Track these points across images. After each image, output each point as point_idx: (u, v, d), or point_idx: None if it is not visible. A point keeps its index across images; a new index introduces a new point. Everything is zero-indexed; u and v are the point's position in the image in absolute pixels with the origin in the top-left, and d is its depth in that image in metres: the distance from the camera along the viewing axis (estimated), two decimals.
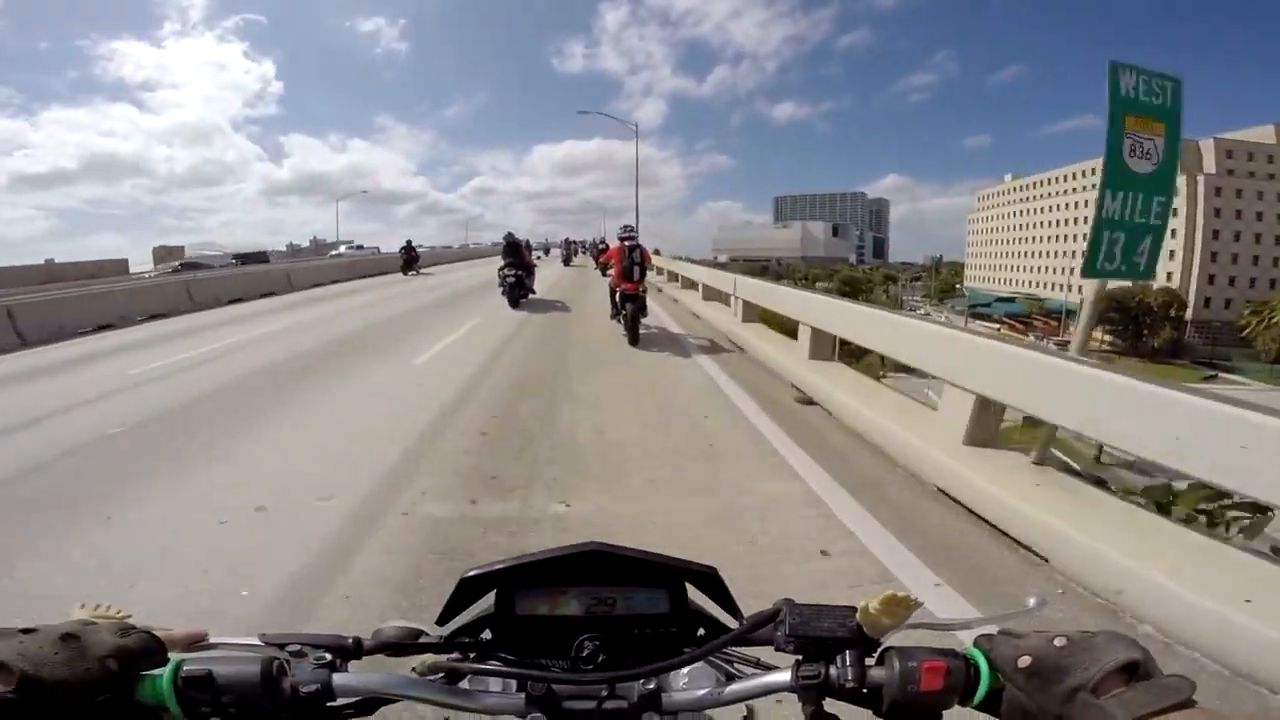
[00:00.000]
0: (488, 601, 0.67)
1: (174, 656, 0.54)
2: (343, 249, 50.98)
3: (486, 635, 0.67)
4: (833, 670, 0.55)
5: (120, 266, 40.30)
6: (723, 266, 23.98)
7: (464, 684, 0.63)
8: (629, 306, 9.17)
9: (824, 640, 0.56)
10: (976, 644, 0.54)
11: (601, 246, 28.25)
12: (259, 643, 0.60)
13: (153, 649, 0.53)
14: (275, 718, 0.53)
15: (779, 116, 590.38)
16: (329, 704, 0.56)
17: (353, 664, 0.61)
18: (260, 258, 35.67)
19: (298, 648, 0.59)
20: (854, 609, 0.57)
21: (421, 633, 0.66)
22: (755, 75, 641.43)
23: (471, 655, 0.65)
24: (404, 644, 0.64)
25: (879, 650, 0.56)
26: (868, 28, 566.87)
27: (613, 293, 9.96)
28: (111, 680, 0.49)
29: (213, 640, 0.60)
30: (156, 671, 0.52)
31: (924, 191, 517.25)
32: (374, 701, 0.59)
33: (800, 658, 0.57)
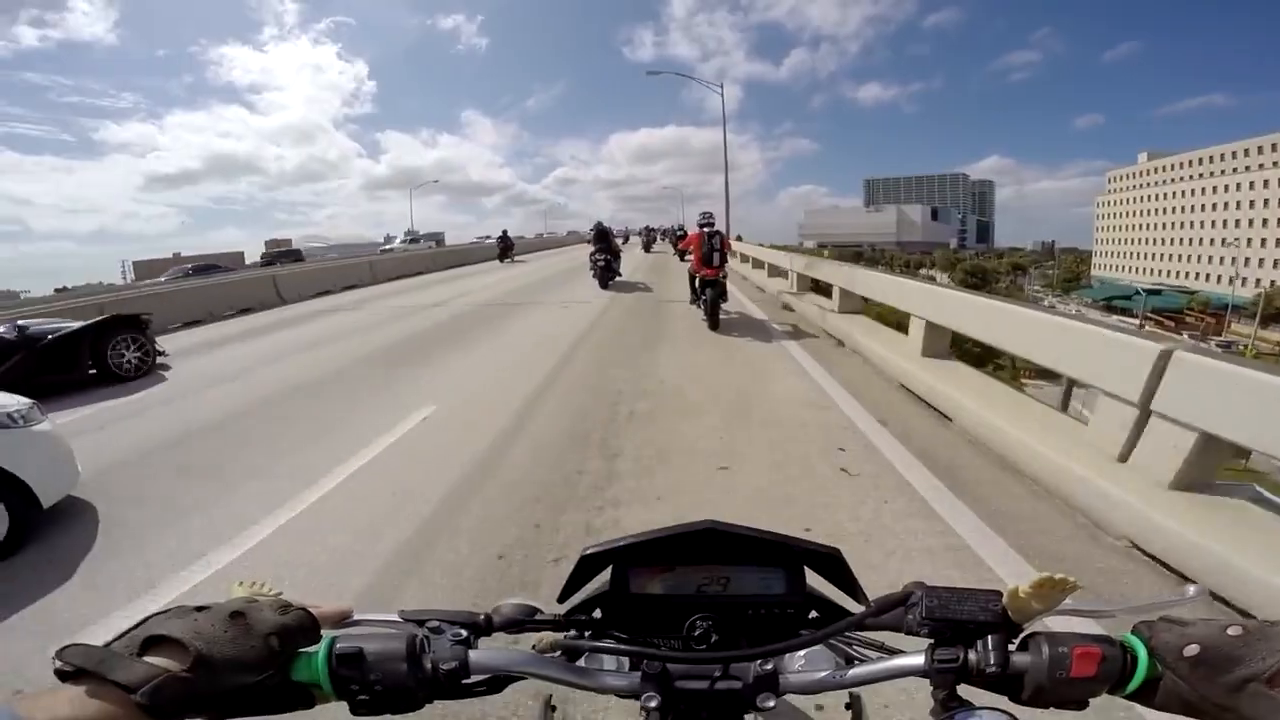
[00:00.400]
0: (603, 579, 0.66)
1: (326, 634, 0.55)
2: (397, 242, 46.81)
3: (597, 614, 0.67)
4: (972, 655, 0.53)
5: (237, 259, 39.40)
6: (812, 253, 20.71)
7: (581, 662, 0.64)
8: (709, 292, 9.02)
9: (964, 624, 0.54)
10: (1135, 630, 0.51)
11: (680, 233, 26.64)
12: (398, 619, 0.61)
13: (308, 626, 0.54)
14: (415, 694, 0.54)
15: (864, 98, 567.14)
16: (464, 681, 0.57)
17: (484, 642, 0.62)
18: (296, 255, 31.78)
19: (436, 624, 0.60)
20: (998, 592, 0.55)
21: (537, 610, 0.65)
22: (836, 57, 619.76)
23: (587, 633, 0.66)
24: (527, 621, 0.64)
25: (1021, 635, 0.54)
26: (957, 6, 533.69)
27: (692, 279, 10.00)
28: (273, 658, 0.51)
29: (357, 617, 0.60)
30: (312, 649, 0.53)
31: (1029, 173, 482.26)
32: (500, 679, 0.60)
33: (933, 641, 0.55)
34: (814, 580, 0.66)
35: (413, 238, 47.74)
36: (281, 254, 32.34)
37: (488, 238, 48.17)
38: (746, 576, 0.65)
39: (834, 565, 0.64)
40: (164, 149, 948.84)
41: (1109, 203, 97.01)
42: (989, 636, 0.53)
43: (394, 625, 0.60)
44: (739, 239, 27.43)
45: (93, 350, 7.03)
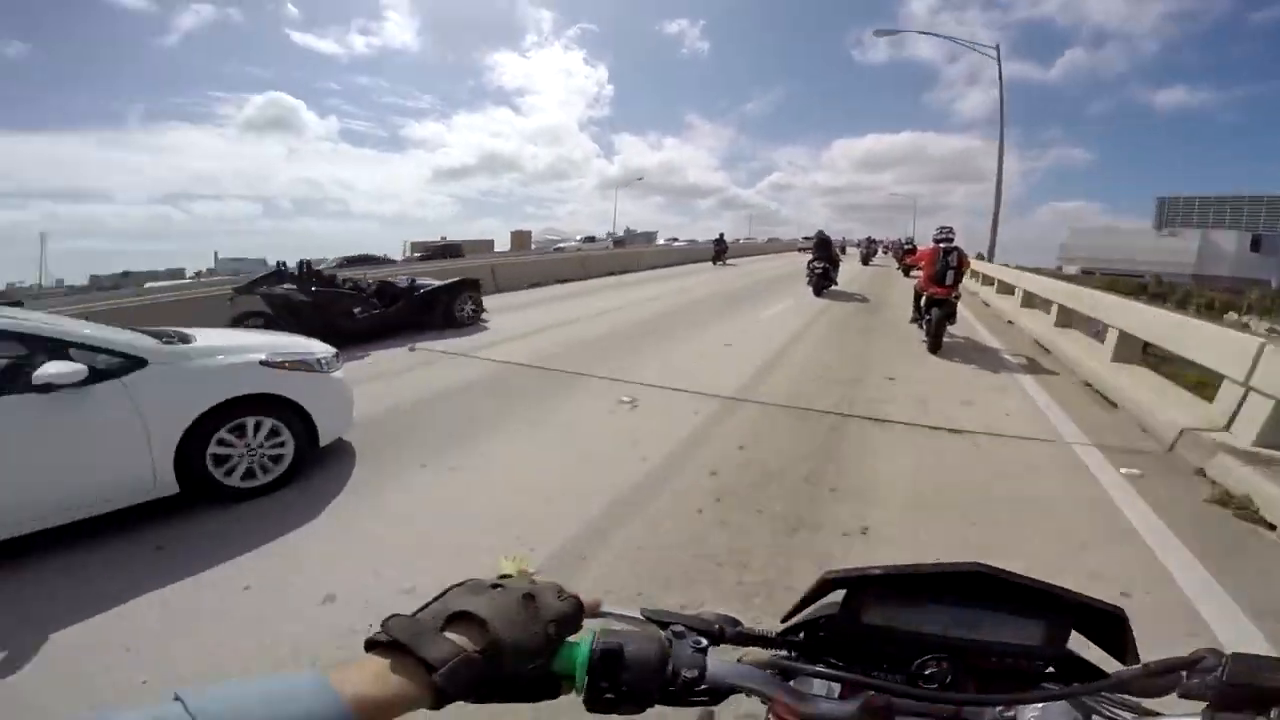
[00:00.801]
0: (832, 600, 0.65)
1: (588, 625, 0.57)
2: (575, 240, 48.85)
3: (800, 635, 0.67)
4: None
5: (488, 245, 45.28)
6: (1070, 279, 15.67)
7: (793, 683, 0.62)
8: (935, 311, 8.40)
9: (1267, 692, 0.51)
10: None
11: (908, 246, 25.67)
12: (640, 617, 0.63)
13: (578, 616, 0.56)
14: (652, 696, 0.55)
15: (1161, 104, 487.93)
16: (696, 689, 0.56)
17: (714, 651, 0.60)
18: (454, 251, 33.23)
19: (680, 629, 0.60)
20: None
21: (738, 622, 0.65)
22: (1125, 57, 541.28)
23: (795, 655, 0.65)
24: (755, 635, 0.65)
25: None
26: None
27: (918, 296, 9.54)
28: (548, 645, 0.53)
29: (604, 610, 0.61)
30: (575, 639, 0.55)
31: None
32: (722, 690, 0.59)
33: (1209, 705, 0.53)
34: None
35: (589, 237, 49.23)
36: (441, 249, 33.51)
37: (675, 240, 47.40)
38: (1003, 623, 0.62)
39: (1110, 625, 0.61)
40: (449, 145, 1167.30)
41: None
42: None
43: (638, 623, 0.61)
44: (980, 257, 22.09)
45: (446, 303, 9.89)
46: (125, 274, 78.70)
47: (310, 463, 4.02)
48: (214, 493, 3.54)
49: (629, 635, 0.56)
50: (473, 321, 10.23)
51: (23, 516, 2.97)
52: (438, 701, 0.48)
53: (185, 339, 3.81)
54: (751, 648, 0.63)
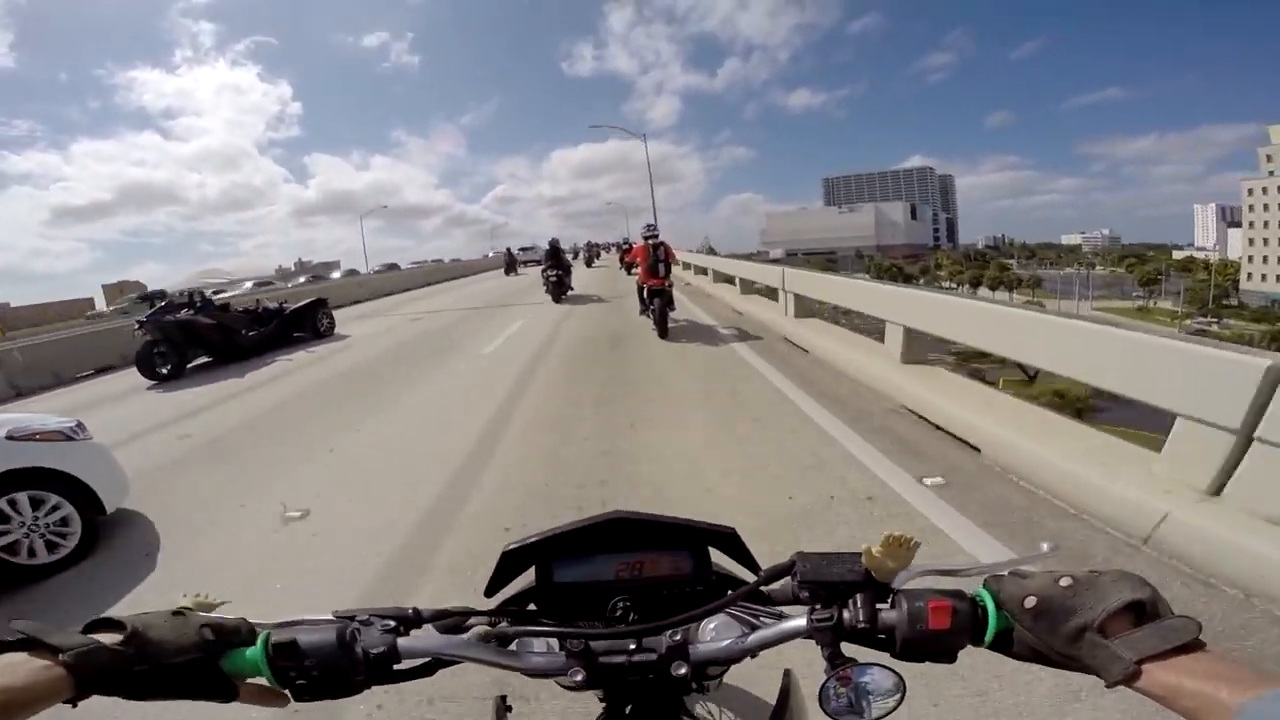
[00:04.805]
0: (530, 575, 0.79)
1: (263, 630, 0.62)
2: (246, 284, 32.89)
3: (531, 607, 0.80)
4: (845, 613, 0.60)
5: (86, 305, 36.89)
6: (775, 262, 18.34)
7: (513, 646, 0.72)
8: (657, 301, 9.92)
9: (835, 585, 0.63)
10: (985, 585, 0.58)
11: (626, 246, 29.06)
12: (332, 618, 0.67)
13: (242, 628, 0.61)
14: (350, 679, 0.62)
15: (795, 105, 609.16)
16: (395, 666, 0.64)
17: (415, 632, 0.70)
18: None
19: (366, 617, 0.67)
20: (859, 554, 0.62)
21: (473, 611, 0.75)
22: (767, 66, 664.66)
23: (516, 623, 0.76)
24: (455, 612, 0.74)
25: (890, 595, 0.61)
26: (878, 11, 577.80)
27: (640, 290, 10.95)
28: (204, 645, 0.57)
29: (292, 618, 0.66)
30: (248, 646, 0.61)
31: (950, 170, 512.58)
32: (435, 664, 0.68)
33: (815, 605, 0.63)
34: (725, 561, 0.80)
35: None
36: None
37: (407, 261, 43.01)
38: (659, 560, 0.78)
39: (732, 543, 0.76)
40: (70, 179, 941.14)
41: (1270, 190, 76.77)
42: (858, 595, 0.61)
43: (328, 622, 0.65)
44: (711, 251, 28.60)
45: (310, 319, 13.25)
46: None
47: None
48: (6, 574, 3.53)
49: (305, 628, 0.62)
50: (330, 332, 13.64)
51: None
52: (77, 691, 0.50)
53: None
54: (478, 620, 0.72)
